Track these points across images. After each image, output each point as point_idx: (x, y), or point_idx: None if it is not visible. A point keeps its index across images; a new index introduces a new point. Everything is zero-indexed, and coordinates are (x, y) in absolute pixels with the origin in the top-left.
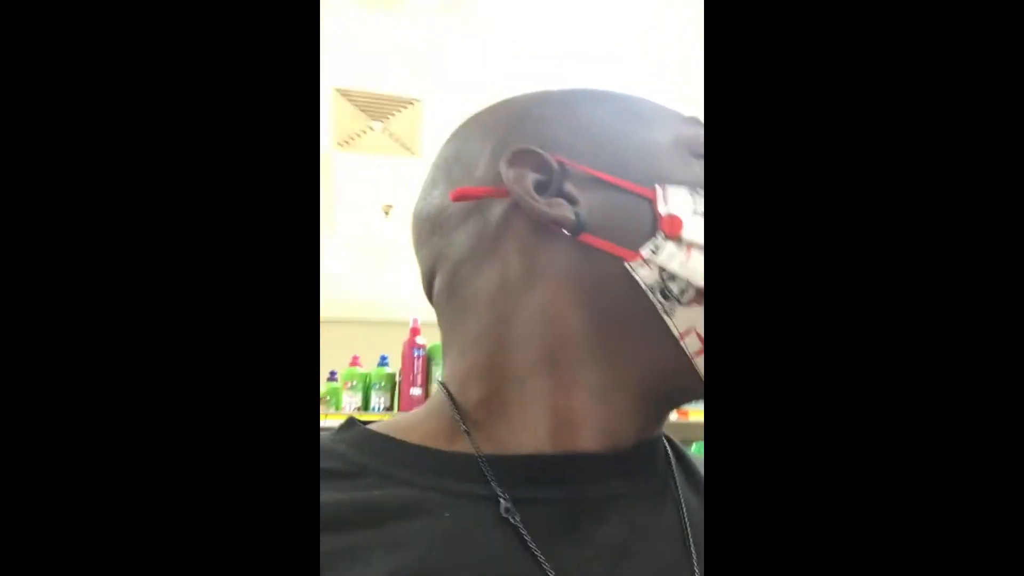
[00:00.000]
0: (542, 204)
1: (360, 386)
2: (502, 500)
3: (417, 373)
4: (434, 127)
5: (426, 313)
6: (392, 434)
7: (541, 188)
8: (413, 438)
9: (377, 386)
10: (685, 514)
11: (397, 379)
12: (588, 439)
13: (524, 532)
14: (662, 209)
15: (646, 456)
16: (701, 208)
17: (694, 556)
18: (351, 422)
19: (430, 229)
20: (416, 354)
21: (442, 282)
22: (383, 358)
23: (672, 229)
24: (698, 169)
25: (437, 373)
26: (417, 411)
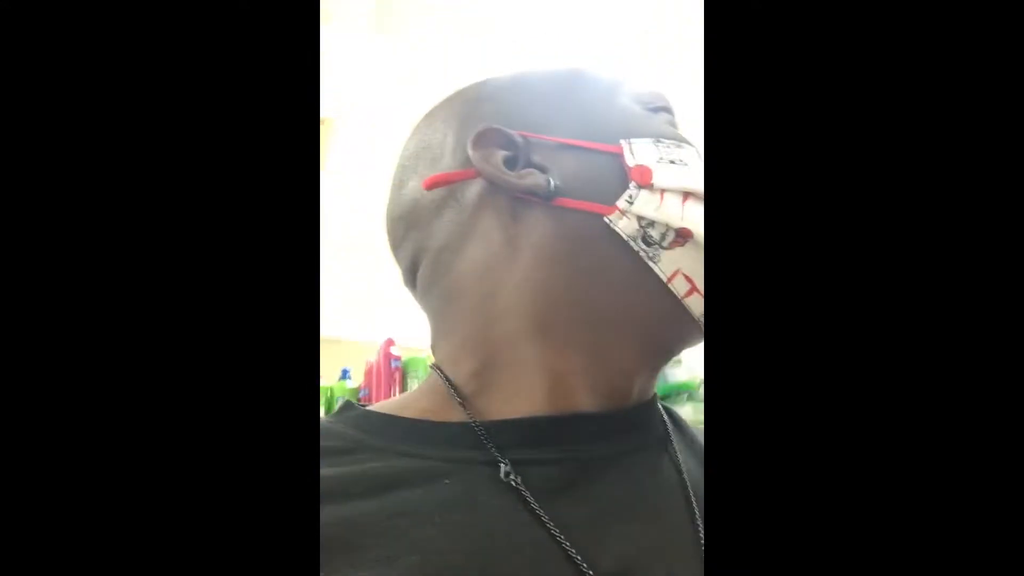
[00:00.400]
0: (513, 177)
1: (323, 400)
2: (502, 463)
3: (395, 384)
4: (342, 148)
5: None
6: (388, 412)
7: (510, 163)
8: (409, 414)
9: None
10: (685, 473)
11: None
12: (586, 400)
13: (525, 493)
14: (630, 161)
15: (644, 416)
16: (667, 156)
17: (696, 513)
18: (348, 404)
19: (405, 227)
20: (393, 365)
21: (425, 272)
22: (345, 371)
23: (643, 178)
24: (656, 122)
25: (412, 385)
26: (411, 392)
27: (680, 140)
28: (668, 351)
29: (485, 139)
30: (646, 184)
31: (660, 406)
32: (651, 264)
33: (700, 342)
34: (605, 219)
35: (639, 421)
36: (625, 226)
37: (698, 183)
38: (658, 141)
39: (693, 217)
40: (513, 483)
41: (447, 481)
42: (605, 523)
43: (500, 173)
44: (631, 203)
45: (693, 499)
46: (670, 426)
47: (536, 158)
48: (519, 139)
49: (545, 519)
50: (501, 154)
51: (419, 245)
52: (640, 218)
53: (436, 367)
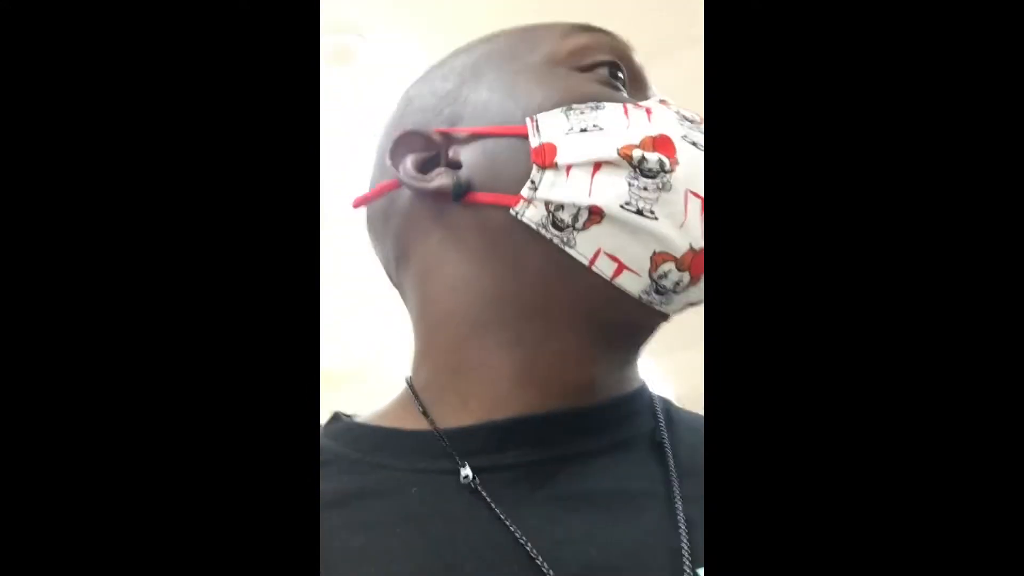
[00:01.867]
0: (423, 180)
1: None
2: (461, 470)
3: None
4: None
5: None
6: (368, 422)
7: (430, 164)
8: (386, 422)
9: None
10: (673, 470)
11: None
12: (542, 398)
13: (487, 497)
14: (534, 141)
15: (618, 412)
16: (579, 124)
17: (679, 512)
18: (335, 416)
19: (374, 242)
20: None
21: (395, 282)
22: None
23: (545, 158)
24: (574, 84)
25: None
26: (391, 400)
27: (601, 100)
28: (619, 337)
29: (400, 145)
30: (548, 164)
31: (654, 399)
32: (567, 249)
33: (656, 322)
34: (511, 211)
35: (611, 417)
36: (532, 214)
37: (610, 149)
38: (569, 109)
39: (604, 191)
40: (472, 487)
41: (413, 490)
42: (569, 525)
43: (409, 179)
44: (535, 188)
45: (677, 498)
46: (663, 420)
47: (452, 154)
48: (436, 137)
49: (508, 522)
50: (413, 158)
51: (385, 257)
52: (547, 203)
53: (408, 376)
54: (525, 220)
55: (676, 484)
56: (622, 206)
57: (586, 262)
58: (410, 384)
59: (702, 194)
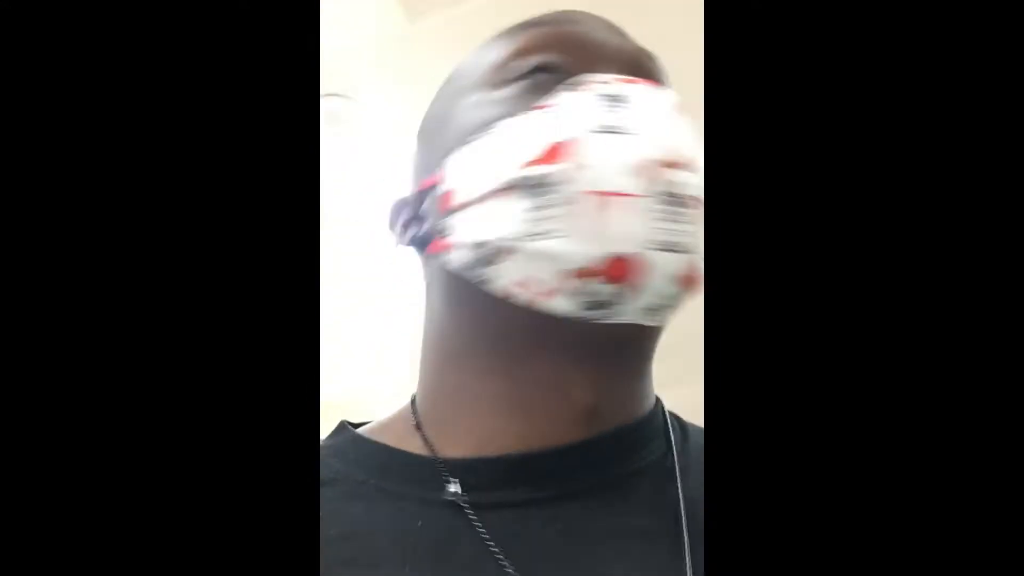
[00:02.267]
0: (401, 237)
1: None
2: (464, 509)
3: None
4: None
5: None
6: (372, 436)
7: (419, 220)
8: (390, 440)
9: None
10: (682, 500)
11: None
12: (537, 425)
13: (487, 538)
14: (440, 188)
15: (621, 442)
16: (473, 158)
17: (686, 543)
18: (341, 426)
19: None
20: None
21: None
22: None
23: (445, 205)
24: (484, 104)
25: None
26: (394, 412)
27: (504, 118)
28: (587, 358)
29: (396, 208)
30: (448, 210)
31: (670, 424)
32: (485, 288)
33: (626, 333)
34: (441, 259)
35: (618, 448)
36: (458, 258)
37: (501, 176)
38: (466, 143)
39: (500, 223)
40: (478, 528)
41: (420, 524)
42: (574, 566)
43: (397, 236)
44: (445, 236)
45: (684, 529)
46: (676, 447)
47: (423, 208)
48: (414, 195)
49: (506, 563)
50: (404, 216)
51: None
52: (466, 244)
53: (414, 393)
54: (453, 266)
55: (684, 520)
56: (521, 234)
57: (502, 296)
58: (413, 401)
59: (625, 190)
